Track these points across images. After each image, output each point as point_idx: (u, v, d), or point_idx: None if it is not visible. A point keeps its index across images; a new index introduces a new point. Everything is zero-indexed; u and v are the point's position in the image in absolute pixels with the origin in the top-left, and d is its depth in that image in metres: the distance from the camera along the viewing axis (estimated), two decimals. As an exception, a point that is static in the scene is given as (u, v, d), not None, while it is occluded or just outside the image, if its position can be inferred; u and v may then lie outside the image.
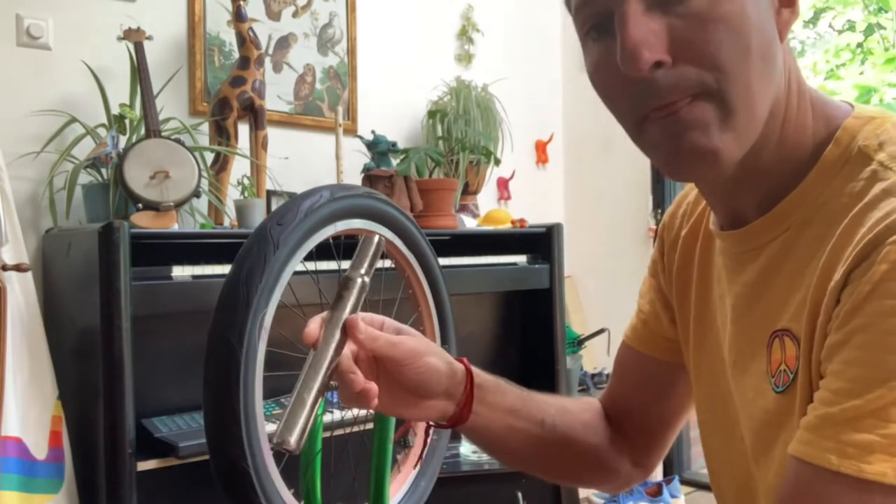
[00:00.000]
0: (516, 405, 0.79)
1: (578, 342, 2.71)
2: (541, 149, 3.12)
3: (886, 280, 0.51)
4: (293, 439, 0.60)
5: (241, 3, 2.07)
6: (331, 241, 1.36)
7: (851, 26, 5.30)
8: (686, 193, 0.83)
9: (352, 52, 2.58)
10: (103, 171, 1.87)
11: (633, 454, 0.87)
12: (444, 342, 1.59)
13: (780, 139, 0.62)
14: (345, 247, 1.47)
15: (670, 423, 0.88)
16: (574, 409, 0.85)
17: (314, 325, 0.66)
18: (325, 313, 0.67)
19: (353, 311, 0.67)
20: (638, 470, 0.88)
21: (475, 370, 0.77)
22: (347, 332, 0.66)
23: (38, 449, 1.59)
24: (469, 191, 2.67)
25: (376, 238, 0.68)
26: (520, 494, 1.89)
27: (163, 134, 1.85)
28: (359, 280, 0.67)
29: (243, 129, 2.14)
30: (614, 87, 0.59)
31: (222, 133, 2.07)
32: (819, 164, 0.61)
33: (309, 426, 0.61)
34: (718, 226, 0.71)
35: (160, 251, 1.69)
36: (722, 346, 0.72)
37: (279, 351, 1.29)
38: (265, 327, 1.22)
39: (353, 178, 2.33)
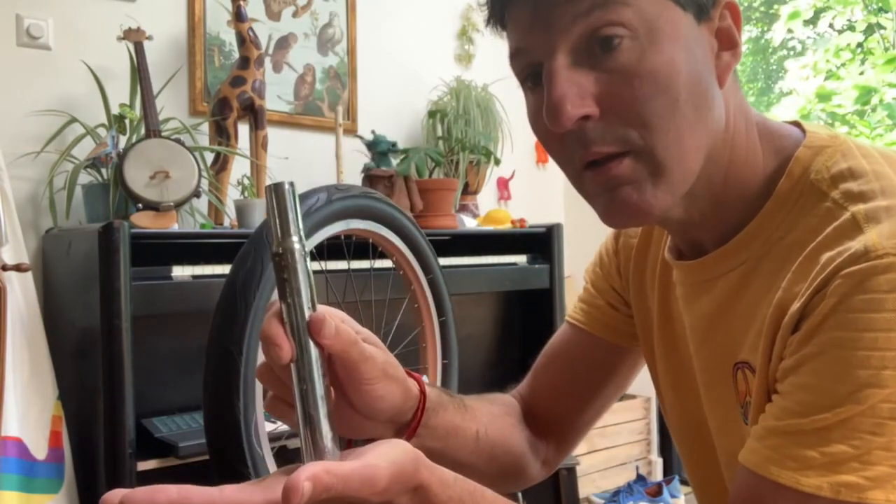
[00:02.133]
0: (455, 421, 0.72)
1: (578, 342, 2.71)
2: (541, 149, 3.12)
3: (836, 312, 0.52)
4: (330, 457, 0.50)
5: (241, 3, 2.07)
6: (323, 242, 1.36)
7: (851, 26, 5.30)
8: None
9: (352, 52, 2.58)
10: (103, 171, 1.87)
11: (546, 454, 0.86)
12: (445, 342, 1.60)
13: (728, 178, 0.62)
14: (350, 246, 1.48)
15: (589, 421, 0.87)
16: (499, 413, 0.82)
17: (280, 339, 0.50)
18: (275, 309, 0.52)
19: (309, 290, 0.52)
20: (545, 469, 0.86)
21: (426, 388, 0.67)
22: (312, 332, 0.51)
23: (38, 449, 1.59)
24: (469, 191, 2.67)
25: (283, 185, 0.52)
26: (520, 494, 1.89)
27: (163, 134, 1.85)
28: (295, 248, 0.51)
29: (243, 129, 2.14)
30: (550, 136, 0.60)
31: (222, 133, 2.07)
32: (773, 198, 0.61)
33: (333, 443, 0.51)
34: (675, 253, 0.71)
35: (160, 251, 1.69)
36: (688, 372, 0.73)
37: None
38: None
39: (353, 178, 2.33)
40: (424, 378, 0.69)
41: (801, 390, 0.53)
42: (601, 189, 0.59)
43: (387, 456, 0.49)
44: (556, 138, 0.59)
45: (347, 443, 0.60)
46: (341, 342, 0.53)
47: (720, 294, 0.65)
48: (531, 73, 0.60)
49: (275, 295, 0.53)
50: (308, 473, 0.44)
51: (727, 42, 0.60)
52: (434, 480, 0.51)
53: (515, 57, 0.61)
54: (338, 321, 0.53)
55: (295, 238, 0.51)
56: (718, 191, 0.63)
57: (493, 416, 0.79)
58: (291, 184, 0.52)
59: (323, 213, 1.28)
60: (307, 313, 0.51)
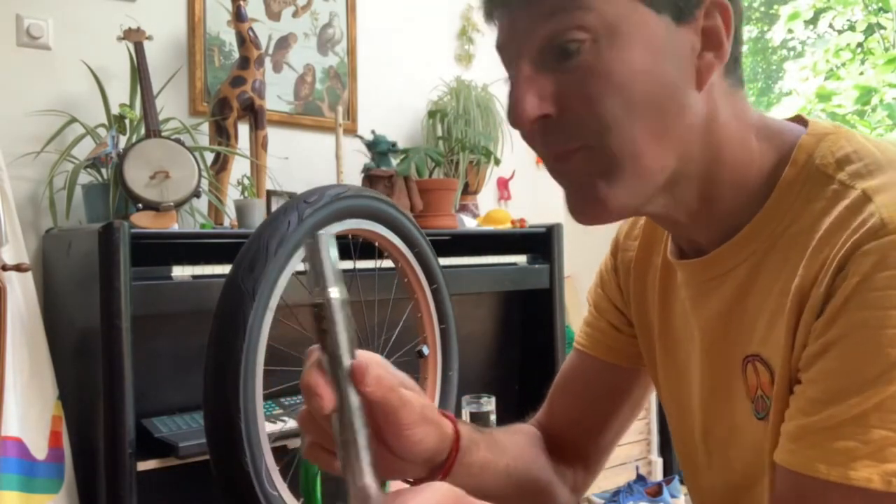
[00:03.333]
0: (486, 457, 0.71)
1: (578, 342, 2.71)
2: (541, 149, 3.12)
3: (859, 291, 0.51)
4: (368, 480, 0.49)
5: (241, 3, 2.07)
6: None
7: (851, 26, 5.30)
8: (637, 217, 0.82)
9: (352, 52, 2.58)
10: (103, 171, 1.87)
11: (574, 479, 0.86)
12: (445, 341, 1.60)
13: (718, 178, 0.62)
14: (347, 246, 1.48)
15: (610, 443, 0.87)
16: (524, 445, 0.82)
17: (321, 388, 0.51)
18: (315, 359, 0.53)
19: (348, 339, 0.52)
20: (575, 494, 0.86)
21: (460, 428, 0.67)
22: (354, 380, 0.52)
23: (38, 449, 1.59)
24: (469, 191, 2.67)
25: (320, 237, 0.52)
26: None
27: (163, 134, 1.85)
28: (333, 298, 0.51)
29: (243, 129, 2.14)
30: (521, 132, 0.62)
31: (222, 133, 2.07)
32: (778, 187, 0.61)
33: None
34: (678, 254, 0.71)
35: (160, 251, 1.69)
36: (686, 377, 0.72)
37: (279, 346, 1.29)
38: (263, 336, 1.22)
39: (353, 178, 2.33)
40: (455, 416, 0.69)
41: (829, 377, 0.52)
42: (563, 183, 0.62)
43: (432, 499, 0.48)
44: (527, 134, 0.62)
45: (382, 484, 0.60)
46: (382, 389, 0.54)
47: (729, 290, 0.64)
48: (509, 70, 0.62)
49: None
50: None
51: (713, 42, 0.59)
52: None
53: (500, 54, 0.63)
54: (378, 368, 0.53)
55: (334, 288, 0.51)
56: (707, 190, 0.62)
57: (520, 448, 0.80)
58: (329, 235, 0.53)
59: (321, 214, 1.28)
60: (347, 362, 0.52)
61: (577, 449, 0.85)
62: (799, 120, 0.66)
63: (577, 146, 0.59)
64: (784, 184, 0.61)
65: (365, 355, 0.54)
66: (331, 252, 0.52)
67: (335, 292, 0.52)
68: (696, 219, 0.64)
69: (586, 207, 0.61)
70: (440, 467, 0.65)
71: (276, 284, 1.23)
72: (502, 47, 0.62)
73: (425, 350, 1.52)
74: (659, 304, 0.76)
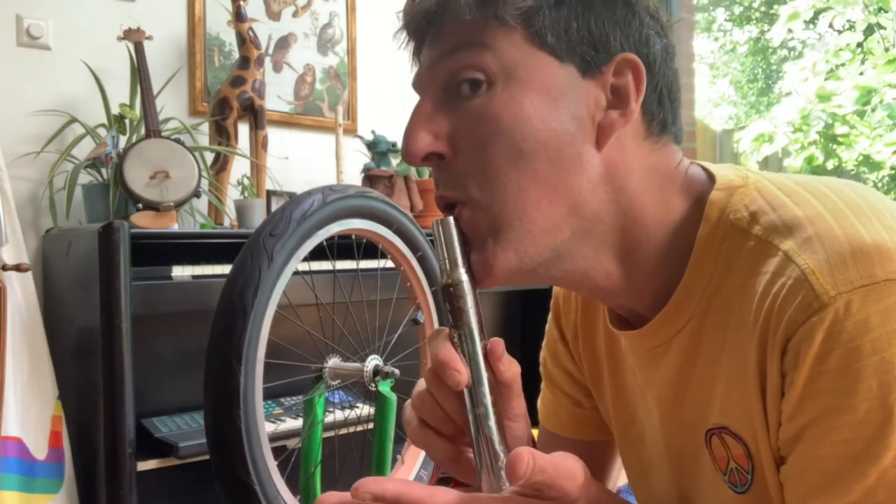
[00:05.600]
0: None
1: (578, 342, 2.71)
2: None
3: (816, 376, 0.49)
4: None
5: (241, 3, 2.07)
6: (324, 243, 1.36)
7: (851, 26, 5.31)
8: None
9: (352, 52, 2.58)
10: (103, 171, 1.87)
11: None
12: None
13: (634, 237, 0.59)
14: (339, 247, 1.48)
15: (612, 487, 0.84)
16: None
17: (457, 363, 0.54)
18: (446, 334, 0.56)
19: (479, 320, 0.55)
20: None
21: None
22: (489, 356, 0.55)
23: (38, 449, 1.59)
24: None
25: (451, 220, 0.56)
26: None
27: (163, 134, 1.85)
28: (464, 279, 0.55)
29: (243, 129, 2.14)
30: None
31: (222, 133, 2.07)
32: (696, 248, 0.58)
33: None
34: (616, 322, 0.67)
35: (160, 251, 1.69)
36: (647, 441, 0.69)
37: (278, 343, 1.29)
38: (264, 334, 1.22)
39: (353, 178, 2.33)
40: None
41: (818, 460, 0.50)
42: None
43: (578, 460, 0.53)
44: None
45: (454, 482, 0.64)
46: (512, 371, 0.56)
47: (675, 358, 0.61)
48: None
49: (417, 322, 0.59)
50: (528, 449, 0.48)
51: (620, 101, 0.57)
52: (602, 492, 0.55)
53: (414, 89, 0.63)
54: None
55: (464, 269, 0.56)
56: (623, 253, 0.59)
57: None
58: (456, 219, 0.56)
59: (320, 214, 1.28)
60: (479, 341, 0.55)
61: None
62: (702, 169, 0.63)
63: (464, 199, 0.57)
64: (701, 242, 0.58)
65: (493, 339, 0.56)
66: (460, 236, 0.56)
67: (465, 273, 0.56)
68: (621, 285, 0.61)
69: (479, 270, 0.57)
70: None
71: (294, 254, 1.24)
72: (414, 85, 0.62)
73: (420, 317, 1.53)
74: (609, 371, 0.72)
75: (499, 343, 0.56)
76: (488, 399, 0.54)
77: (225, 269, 1.61)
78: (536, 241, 0.56)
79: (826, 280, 0.49)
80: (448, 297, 0.56)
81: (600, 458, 0.81)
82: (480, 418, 0.54)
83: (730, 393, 0.56)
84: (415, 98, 0.62)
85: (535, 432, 0.77)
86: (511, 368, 0.56)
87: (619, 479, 0.85)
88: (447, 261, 0.56)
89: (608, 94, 0.57)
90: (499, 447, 0.54)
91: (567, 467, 0.51)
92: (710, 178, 0.61)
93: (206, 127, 2.12)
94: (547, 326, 0.82)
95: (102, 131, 1.93)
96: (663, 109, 0.59)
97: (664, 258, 0.59)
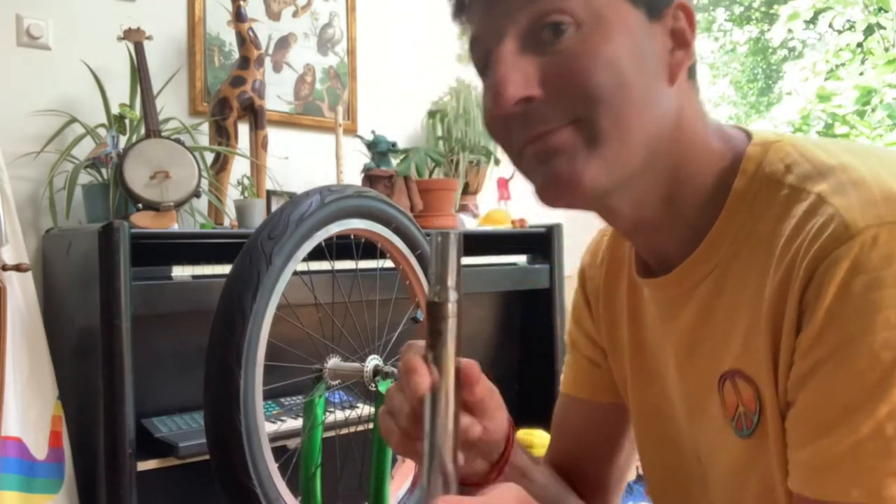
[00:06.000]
0: (529, 464, 0.74)
1: (578, 342, 2.70)
2: (541, 149, 3.12)
3: (839, 303, 0.50)
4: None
5: (241, 3, 2.07)
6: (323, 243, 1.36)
7: (851, 26, 5.30)
8: (598, 242, 0.82)
9: (352, 52, 2.58)
10: (103, 171, 1.87)
11: None
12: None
13: (681, 177, 0.62)
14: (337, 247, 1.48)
15: (623, 470, 0.86)
16: (549, 470, 0.82)
17: (421, 367, 0.56)
18: (417, 348, 0.57)
19: (457, 345, 0.55)
20: None
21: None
22: (461, 379, 0.57)
23: (38, 449, 1.59)
24: (469, 191, 2.67)
25: (452, 236, 0.54)
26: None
27: (163, 134, 1.85)
28: (451, 302, 0.54)
29: (243, 129, 2.14)
30: (496, 122, 0.61)
31: (222, 133, 2.07)
32: (731, 197, 0.61)
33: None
34: (643, 272, 0.70)
35: (160, 251, 1.69)
36: (665, 396, 0.71)
37: (278, 343, 1.29)
38: (262, 343, 1.22)
39: (354, 178, 2.33)
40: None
41: (830, 396, 0.51)
42: (537, 162, 0.59)
43: (508, 495, 0.54)
44: (501, 125, 0.61)
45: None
46: (484, 392, 0.61)
47: (698, 305, 0.63)
48: (485, 61, 0.61)
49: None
50: (445, 500, 0.50)
51: (680, 42, 0.61)
52: None
53: (473, 46, 0.63)
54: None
55: (451, 286, 0.54)
56: (670, 189, 0.62)
57: (548, 472, 0.80)
58: (459, 236, 0.54)
59: (318, 216, 1.28)
60: (452, 366, 0.55)
61: (587, 485, 0.84)
62: (741, 130, 0.66)
63: (566, 121, 0.58)
64: (736, 194, 0.61)
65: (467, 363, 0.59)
66: (458, 255, 0.54)
67: (453, 292, 0.54)
68: (658, 222, 0.64)
69: (559, 183, 0.58)
70: (498, 462, 0.68)
71: (293, 256, 1.24)
72: (478, 38, 0.62)
73: (420, 316, 1.53)
74: (629, 325, 0.75)
75: (473, 370, 0.59)
76: (451, 417, 0.54)
77: (225, 269, 1.60)
78: (624, 162, 0.58)
79: (857, 214, 0.51)
80: (430, 316, 0.54)
81: (614, 421, 0.83)
82: (436, 430, 0.54)
83: (748, 336, 0.58)
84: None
85: (539, 438, 0.78)
86: (492, 395, 0.61)
87: (630, 461, 0.87)
88: (438, 277, 0.54)
89: (670, 37, 0.60)
90: (450, 460, 0.54)
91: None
92: (748, 135, 0.64)
93: (206, 127, 2.12)
94: (573, 297, 0.86)
95: (102, 131, 1.93)
96: (695, 52, 0.63)
97: (702, 203, 0.62)
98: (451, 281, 0.54)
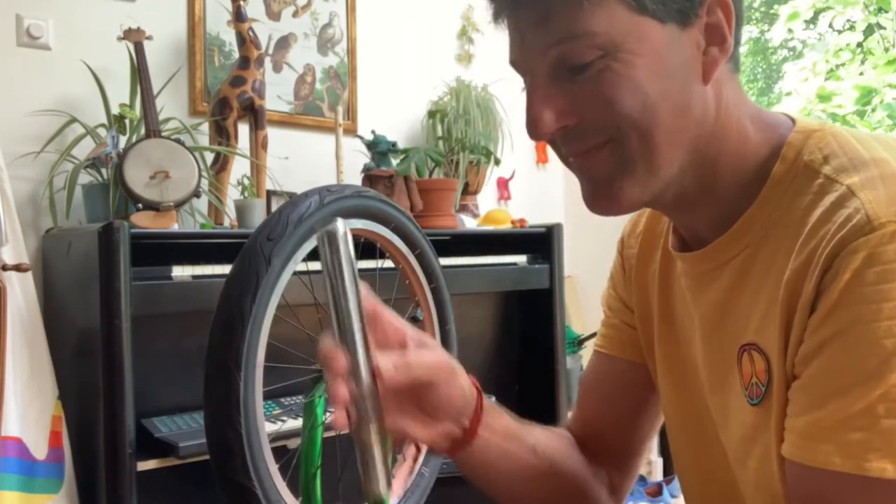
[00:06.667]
0: (511, 428, 0.75)
1: (578, 342, 2.71)
2: (541, 149, 3.12)
3: (851, 288, 0.53)
4: (381, 489, 0.53)
5: (241, 3, 2.07)
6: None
7: (851, 26, 5.30)
8: (641, 213, 0.85)
9: (352, 52, 2.58)
10: (103, 171, 1.87)
11: (610, 480, 0.86)
12: (445, 341, 1.60)
13: (719, 167, 0.65)
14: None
15: (643, 440, 0.88)
16: (555, 436, 0.83)
17: (335, 352, 0.57)
18: (324, 337, 0.57)
19: (360, 317, 0.57)
20: (614, 497, 0.86)
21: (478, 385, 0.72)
22: (376, 378, 0.58)
23: (38, 449, 1.59)
24: (469, 191, 2.67)
25: (338, 225, 0.56)
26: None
27: (163, 134, 1.85)
28: (347, 285, 0.56)
29: (243, 129, 2.14)
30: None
31: (222, 133, 2.07)
32: (769, 182, 0.64)
33: (388, 467, 0.55)
34: (678, 246, 0.73)
35: (160, 251, 1.69)
36: (690, 364, 0.73)
37: (278, 344, 1.29)
38: (261, 345, 1.22)
39: (354, 178, 2.33)
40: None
41: (831, 372, 0.54)
42: (581, 177, 0.65)
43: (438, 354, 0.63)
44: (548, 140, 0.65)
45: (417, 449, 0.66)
46: (399, 377, 0.60)
47: (727, 280, 0.66)
48: (523, 76, 0.65)
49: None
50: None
51: (716, 37, 0.62)
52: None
53: (513, 66, 0.66)
54: (387, 359, 0.60)
55: (344, 269, 0.57)
56: (709, 180, 0.65)
57: (548, 434, 0.81)
58: (340, 224, 0.57)
59: (317, 216, 1.28)
60: (358, 335, 0.57)
61: (609, 449, 0.86)
62: (786, 116, 0.68)
63: (602, 141, 0.61)
64: (774, 179, 0.63)
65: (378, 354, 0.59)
66: (346, 241, 0.57)
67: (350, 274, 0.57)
68: (697, 206, 0.67)
69: (602, 201, 0.64)
70: (468, 427, 0.69)
71: (292, 257, 1.24)
72: (515, 63, 0.65)
73: (419, 314, 1.53)
74: (659, 294, 0.78)
75: (378, 369, 0.59)
76: (369, 401, 0.56)
77: (225, 269, 1.60)
78: (657, 178, 0.62)
79: (881, 209, 0.54)
80: (331, 291, 0.57)
81: (641, 383, 0.85)
82: (362, 412, 0.56)
83: (766, 312, 0.61)
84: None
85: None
86: (410, 373, 0.61)
87: (652, 433, 0.88)
88: (334, 259, 0.57)
89: (705, 34, 0.61)
90: (372, 442, 0.55)
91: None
92: (792, 121, 0.66)
93: (206, 127, 2.12)
94: (612, 263, 0.90)
95: (102, 131, 1.93)
96: (737, 41, 0.64)
97: (737, 187, 0.65)
98: (344, 266, 0.57)
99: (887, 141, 0.62)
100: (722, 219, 0.66)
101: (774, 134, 0.65)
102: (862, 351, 0.52)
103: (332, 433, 1.49)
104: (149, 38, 1.96)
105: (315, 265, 1.56)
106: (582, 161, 0.64)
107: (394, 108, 2.66)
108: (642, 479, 2.59)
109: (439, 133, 2.65)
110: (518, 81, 0.66)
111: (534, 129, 0.62)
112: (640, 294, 0.82)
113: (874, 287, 0.52)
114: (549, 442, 0.80)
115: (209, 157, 2.08)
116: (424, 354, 0.64)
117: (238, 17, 2.07)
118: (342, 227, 0.57)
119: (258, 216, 1.97)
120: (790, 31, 5.75)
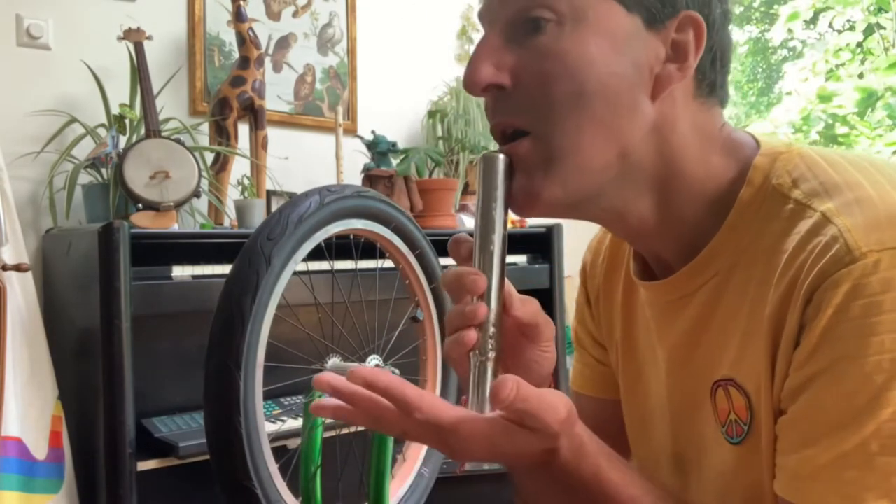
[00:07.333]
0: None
1: (578, 342, 2.71)
2: (541, 149, 3.12)
3: (836, 323, 0.51)
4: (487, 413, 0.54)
5: (241, 3, 2.07)
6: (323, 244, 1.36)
7: (851, 26, 5.30)
8: (601, 240, 0.82)
9: (352, 52, 2.58)
10: (103, 171, 1.87)
11: None
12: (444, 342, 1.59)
13: (682, 190, 0.61)
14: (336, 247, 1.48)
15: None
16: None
17: (473, 271, 0.58)
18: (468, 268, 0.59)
19: (503, 246, 0.59)
20: None
21: None
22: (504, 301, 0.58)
23: (38, 449, 1.59)
24: (469, 191, 2.66)
25: (501, 158, 0.59)
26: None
27: (163, 134, 1.85)
28: (497, 212, 0.59)
29: (243, 129, 2.14)
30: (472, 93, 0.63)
31: (222, 133, 2.07)
32: (736, 207, 0.61)
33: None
34: (640, 273, 0.70)
35: (160, 251, 1.69)
36: (652, 394, 0.71)
37: (278, 344, 1.29)
38: (261, 345, 1.22)
39: (354, 178, 2.33)
40: None
41: (821, 409, 0.52)
42: (516, 168, 0.62)
43: (564, 396, 0.54)
44: (485, 103, 0.63)
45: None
46: (526, 309, 0.61)
47: (695, 310, 0.63)
48: None
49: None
50: (514, 377, 0.50)
51: (679, 56, 0.59)
52: (585, 432, 0.56)
53: (480, 24, 0.64)
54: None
55: (499, 197, 0.60)
56: (662, 201, 0.62)
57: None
58: (506, 159, 0.60)
59: (317, 216, 1.28)
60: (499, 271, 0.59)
61: None
62: (752, 135, 0.65)
63: (525, 126, 0.59)
64: (742, 204, 0.60)
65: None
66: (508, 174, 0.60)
67: (502, 206, 0.59)
68: (657, 231, 0.63)
69: (522, 198, 0.61)
70: None
71: (292, 257, 1.24)
72: (481, 15, 0.63)
73: (419, 315, 1.53)
74: (622, 323, 0.75)
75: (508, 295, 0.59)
76: (491, 326, 0.56)
77: (225, 269, 1.60)
78: (584, 177, 0.59)
79: (860, 238, 0.52)
80: (478, 219, 0.59)
81: (622, 418, 0.82)
82: (480, 344, 0.56)
83: (744, 346, 0.59)
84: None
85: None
86: (525, 307, 0.60)
87: None
88: (488, 190, 0.59)
89: (668, 48, 0.59)
90: (489, 374, 0.55)
91: (550, 401, 0.52)
92: (756, 143, 0.64)
93: (206, 127, 2.12)
94: (576, 296, 0.87)
95: (102, 131, 1.93)
96: (714, 71, 0.62)
97: (701, 213, 0.62)
98: (499, 193, 0.59)
99: (857, 161, 0.59)
100: (687, 245, 0.63)
101: (740, 156, 0.62)
102: (851, 387, 0.50)
103: (332, 433, 1.49)
104: (149, 38, 1.96)
105: (315, 265, 1.57)
106: (510, 149, 0.60)
107: (394, 108, 2.66)
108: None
109: (439, 133, 2.65)
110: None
111: (469, 76, 0.60)
112: (607, 325, 0.79)
113: (860, 321, 0.50)
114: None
115: (209, 157, 2.08)
116: (533, 304, 0.63)
117: (238, 17, 2.07)
118: (503, 157, 0.59)
119: (258, 216, 1.97)
120: (790, 31, 5.75)
